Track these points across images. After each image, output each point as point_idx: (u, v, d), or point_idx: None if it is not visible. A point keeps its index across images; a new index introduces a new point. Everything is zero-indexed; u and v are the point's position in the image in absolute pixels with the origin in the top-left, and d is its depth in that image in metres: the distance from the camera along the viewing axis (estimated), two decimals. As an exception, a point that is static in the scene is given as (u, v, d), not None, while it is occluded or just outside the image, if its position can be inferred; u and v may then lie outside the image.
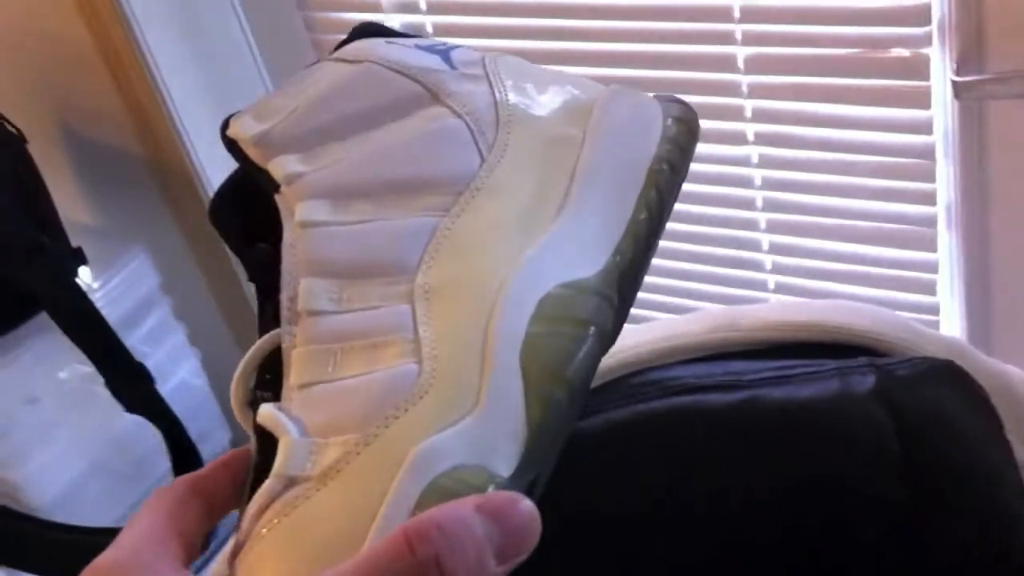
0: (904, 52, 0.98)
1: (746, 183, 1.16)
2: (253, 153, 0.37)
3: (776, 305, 0.50)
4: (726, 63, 1.08)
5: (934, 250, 1.08)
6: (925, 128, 1.01)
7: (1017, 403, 0.46)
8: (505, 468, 0.31)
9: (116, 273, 1.48)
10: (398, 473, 0.30)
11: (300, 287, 0.35)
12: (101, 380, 1.34)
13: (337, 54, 0.41)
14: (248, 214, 0.38)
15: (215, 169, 1.45)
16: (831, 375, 0.42)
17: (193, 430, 1.42)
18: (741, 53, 1.06)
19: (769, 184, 1.14)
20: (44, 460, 1.37)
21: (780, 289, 1.22)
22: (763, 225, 1.18)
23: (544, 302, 0.34)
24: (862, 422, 0.40)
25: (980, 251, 1.04)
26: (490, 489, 0.30)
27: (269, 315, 0.36)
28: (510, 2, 1.21)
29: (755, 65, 1.07)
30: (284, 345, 0.35)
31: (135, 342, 1.43)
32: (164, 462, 1.40)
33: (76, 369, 1.41)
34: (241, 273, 0.40)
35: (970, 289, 1.07)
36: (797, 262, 1.19)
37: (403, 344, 0.33)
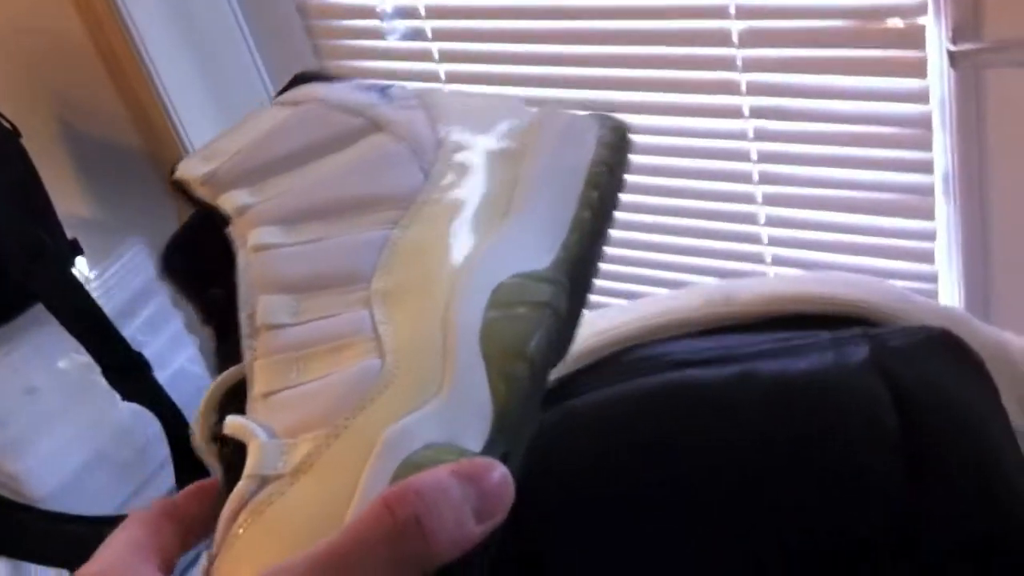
0: (899, 22, 0.97)
1: (742, 157, 1.15)
2: (202, 192, 0.39)
3: (769, 278, 0.50)
4: (721, 37, 1.07)
5: (932, 219, 1.08)
6: (922, 98, 1.00)
7: (1015, 370, 0.45)
8: (475, 444, 0.32)
9: (113, 263, 1.48)
10: (370, 456, 0.31)
11: (258, 304, 0.36)
12: (99, 370, 1.34)
13: (278, 100, 0.43)
14: (198, 263, 0.39)
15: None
16: (825, 347, 0.41)
17: (192, 417, 1.42)
18: (735, 27, 1.06)
19: (765, 157, 1.14)
20: (44, 450, 1.37)
21: (778, 262, 1.22)
22: (760, 198, 1.17)
23: (498, 290, 0.35)
24: (857, 393, 0.39)
25: (978, 219, 1.04)
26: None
27: (225, 354, 0.37)
28: (509, 6, 1.21)
29: (750, 38, 1.06)
30: (246, 359, 0.35)
31: (133, 331, 1.43)
32: (164, 450, 1.40)
33: (75, 359, 1.41)
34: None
35: (968, 257, 1.07)
36: (794, 234, 1.18)
37: (364, 343, 0.34)
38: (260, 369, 0.35)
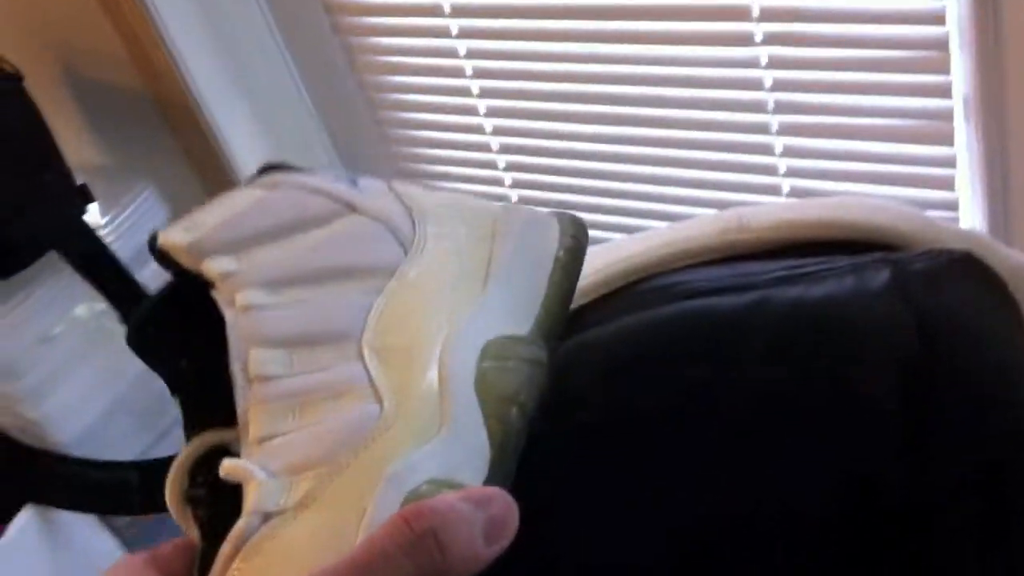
0: (916, -60, 0.95)
1: (756, 85, 1.13)
2: (185, 259, 0.39)
3: (786, 203, 0.49)
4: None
5: (951, 144, 1.06)
6: (938, 19, 0.98)
7: (1038, 293, 0.45)
8: (475, 481, 0.34)
9: (124, 209, 1.48)
10: (376, 489, 0.32)
11: (249, 356, 0.37)
12: (116, 316, 1.34)
13: (253, 184, 0.43)
14: (167, 334, 0.40)
15: (217, 103, 1.45)
16: (845, 272, 0.40)
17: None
18: (747, -50, 1.03)
19: (780, 85, 1.12)
20: (65, 397, 1.38)
21: (795, 192, 1.20)
22: (775, 128, 1.16)
23: (488, 346, 0.38)
24: (878, 318, 0.38)
25: (998, 143, 1.02)
26: None
27: (194, 422, 0.38)
28: (533, 5, 1.20)
29: (761, -38, 1.04)
30: (240, 407, 0.36)
31: (146, 278, 1.43)
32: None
33: (92, 306, 1.41)
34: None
35: (989, 182, 1.05)
36: (811, 163, 1.17)
37: (362, 390, 0.36)
38: (255, 415, 0.36)
